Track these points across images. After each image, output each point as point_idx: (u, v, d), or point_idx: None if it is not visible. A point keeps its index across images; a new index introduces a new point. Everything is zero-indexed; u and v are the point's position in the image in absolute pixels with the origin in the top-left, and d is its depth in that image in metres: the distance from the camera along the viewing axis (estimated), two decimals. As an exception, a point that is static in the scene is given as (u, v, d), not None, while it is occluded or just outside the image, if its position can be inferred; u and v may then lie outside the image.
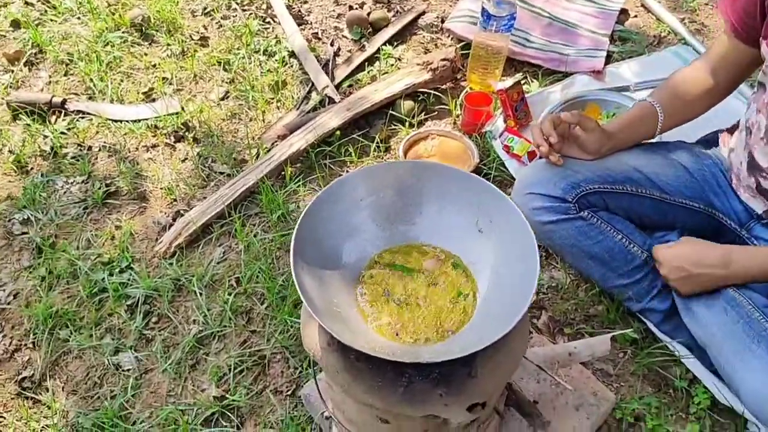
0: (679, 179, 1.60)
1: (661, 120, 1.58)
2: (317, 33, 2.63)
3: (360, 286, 1.17)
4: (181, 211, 2.02)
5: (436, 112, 2.30)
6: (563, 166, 1.57)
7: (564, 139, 1.56)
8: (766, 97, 1.40)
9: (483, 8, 2.14)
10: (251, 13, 2.71)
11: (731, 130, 1.67)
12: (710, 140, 1.73)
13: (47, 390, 1.65)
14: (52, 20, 2.69)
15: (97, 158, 2.19)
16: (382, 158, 2.17)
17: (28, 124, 2.26)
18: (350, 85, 2.42)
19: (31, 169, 2.15)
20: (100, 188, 2.07)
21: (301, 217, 1.11)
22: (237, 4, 2.75)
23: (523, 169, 1.74)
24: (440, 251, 1.22)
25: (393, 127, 2.24)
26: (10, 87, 2.42)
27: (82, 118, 2.31)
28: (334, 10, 2.74)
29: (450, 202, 1.22)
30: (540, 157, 1.59)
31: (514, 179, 2.03)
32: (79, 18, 2.70)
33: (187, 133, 2.26)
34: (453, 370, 1.08)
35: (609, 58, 2.48)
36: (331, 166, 2.14)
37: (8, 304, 1.82)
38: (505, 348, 1.10)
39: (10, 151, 2.20)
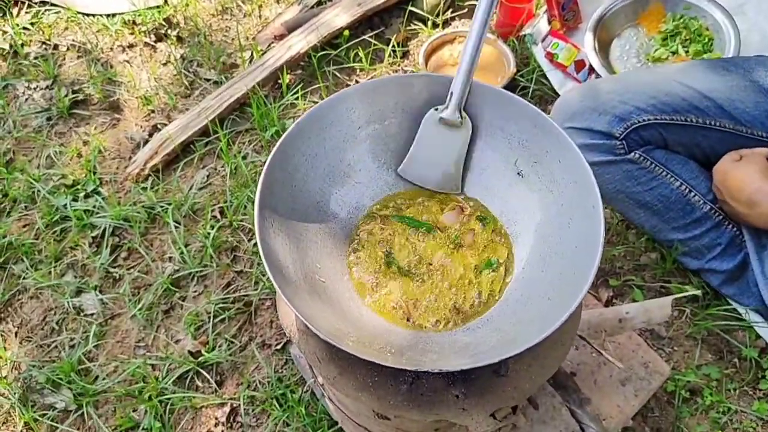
0: (759, 107, 1.29)
1: None
2: None
3: (353, 246, 0.88)
4: (159, 126, 1.73)
5: (466, 9, 1.94)
6: (610, 91, 1.23)
7: None
8: None
9: None
10: None
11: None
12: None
13: (-2, 335, 1.42)
14: None
15: (64, 59, 1.89)
16: (399, 65, 1.82)
17: (-15, 17, 1.94)
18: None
19: (-12, 70, 1.85)
20: (66, 95, 1.78)
21: (274, 151, 0.81)
22: None
23: (561, 96, 1.40)
24: (464, 200, 0.91)
25: (413, 27, 1.90)
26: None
27: (49, 10, 2.00)
28: None
29: (480, 132, 0.90)
30: (590, 71, 1.25)
31: (557, 95, 1.68)
32: None
33: (169, 31, 1.93)
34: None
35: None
36: (337, 74, 1.80)
37: (-44, 231, 1.57)
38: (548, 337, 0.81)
39: (-38, 49, 1.89)
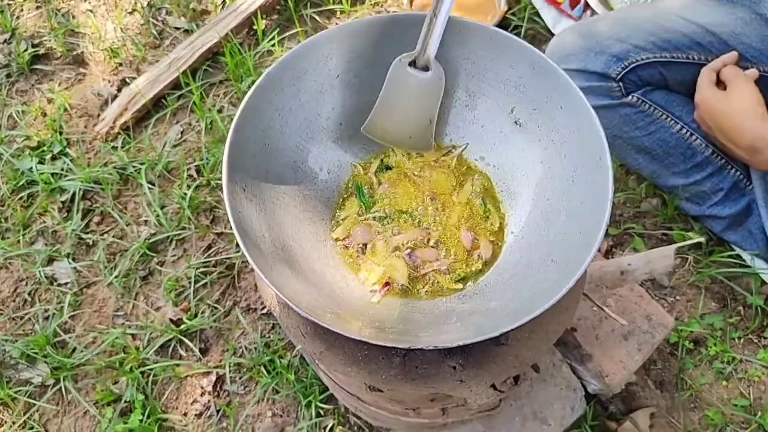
0: (766, 41, 1.22)
1: None
2: None
3: (336, 210, 0.80)
4: (128, 79, 1.62)
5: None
6: (606, 29, 1.15)
7: None
8: None
9: None
10: None
11: None
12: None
13: (-32, 309, 1.35)
14: None
15: (22, 10, 1.76)
16: (382, 6, 1.70)
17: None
18: None
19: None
20: (26, 50, 1.66)
21: (242, 106, 0.72)
22: None
23: (555, 36, 1.31)
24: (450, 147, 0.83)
25: (395, -36, 1.75)
26: None
27: (2, -43, 1.82)
28: None
29: (471, 78, 0.81)
30: (586, 7, 1.15)
31: (552, 35, 1.58)
32: None
33: (134, -24, 1.78)
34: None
35: None
36: (316, 18, 1.69)
37: None
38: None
39: None
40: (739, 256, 1.31)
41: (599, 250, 1.35)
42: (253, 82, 1.51)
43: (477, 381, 0.75)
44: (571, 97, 0.74)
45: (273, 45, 1.61)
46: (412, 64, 0.81)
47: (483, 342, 0.74)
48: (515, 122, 0.80)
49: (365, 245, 0.78)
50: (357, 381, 0.82)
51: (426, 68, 0.80)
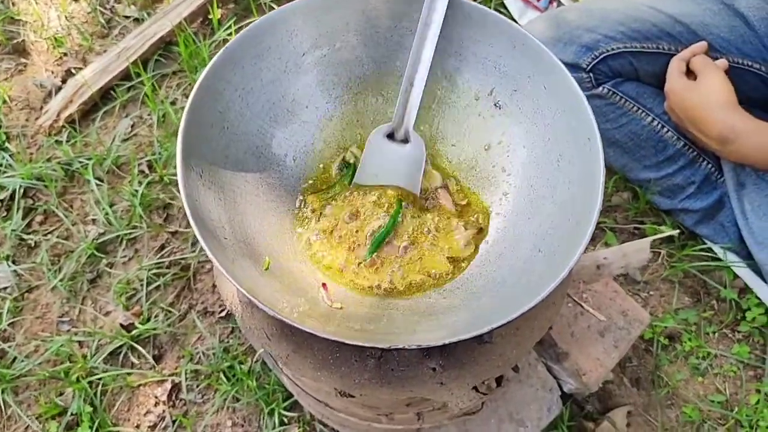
0: (734, 31, 1.21)
1: None
2: None
3: (303, 199, 0.73)
4: (74, 70, 1.52)
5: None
6: (575, 19, 1.12)
7: None
8: None
9: None
10: None
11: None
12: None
13: None
14: None
15: (-43, -4, 1.62)
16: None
17: None
18: None
19: None
20: (-39, 38, 1.53)
21: (197, 85, 0.65)
22: None
23: (524, 25, 1.28)
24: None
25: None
26: None
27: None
28: None
29: (447, 56, 0.75)
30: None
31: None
32: None
33: (79, -39, 1.68)
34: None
35: None
36: (274, 7, 1.60)
37: None
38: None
39: None
40: (711, 250, 1.29)
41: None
42: (208, 73, 1.44)
43: (458, 383, 0.69)
44: (555, 75, 0.69)
45: (230, 34, 1.53)
46: (390, 136, 0.76)
47: (465, 341, 0.68)
48: (495, 104, 0.75)
49: (334, 244, 0.72)
50: (327, 386, 0.75)
51: (405, 140, 0.76)
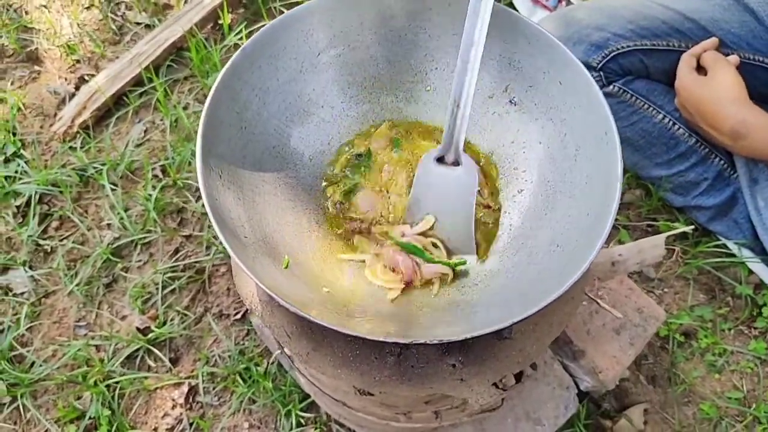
0: (744, 26, 1.21)
1: None
2: None
3: (322, 197, 0.74)
4: (87, 77, 1.53)
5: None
6: (584, 18, 1.12)
7: None
8: None
9: None
10: None
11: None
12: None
13: None
14: None
15: (-30, 6, 1.64)
16: None
17: None
18: None
19: None
20: (-24, 47, 1.55)
21: (215, 86, 0.65)
22: None
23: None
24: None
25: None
26: None
27: (-53, -49, 1.72)
28: None
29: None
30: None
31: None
32: None
33: (90, -30, 1.69)
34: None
35: None
36: (284, 10, 1.61)
37: None
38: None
39: None
40: (725, 246, 1.28)
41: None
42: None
43: (479, 379, 0.69)
44: (571, 70, 0.69)
45: (240, 39, 1.54)
46: (440, 159, 0.75)
47: (485, 336, 0.68)
48: (510, 101, 0.75)
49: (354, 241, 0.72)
50: (346, 384, 0.76)
51: (456, 163, 0.74)
